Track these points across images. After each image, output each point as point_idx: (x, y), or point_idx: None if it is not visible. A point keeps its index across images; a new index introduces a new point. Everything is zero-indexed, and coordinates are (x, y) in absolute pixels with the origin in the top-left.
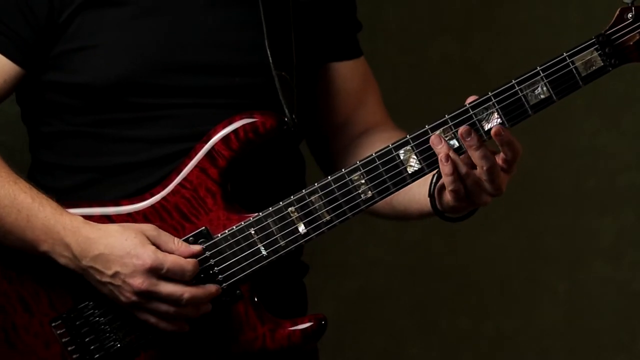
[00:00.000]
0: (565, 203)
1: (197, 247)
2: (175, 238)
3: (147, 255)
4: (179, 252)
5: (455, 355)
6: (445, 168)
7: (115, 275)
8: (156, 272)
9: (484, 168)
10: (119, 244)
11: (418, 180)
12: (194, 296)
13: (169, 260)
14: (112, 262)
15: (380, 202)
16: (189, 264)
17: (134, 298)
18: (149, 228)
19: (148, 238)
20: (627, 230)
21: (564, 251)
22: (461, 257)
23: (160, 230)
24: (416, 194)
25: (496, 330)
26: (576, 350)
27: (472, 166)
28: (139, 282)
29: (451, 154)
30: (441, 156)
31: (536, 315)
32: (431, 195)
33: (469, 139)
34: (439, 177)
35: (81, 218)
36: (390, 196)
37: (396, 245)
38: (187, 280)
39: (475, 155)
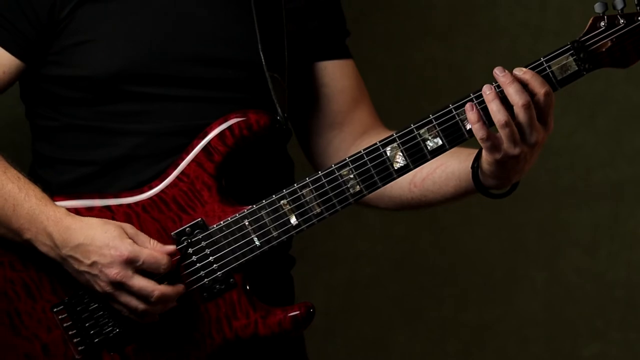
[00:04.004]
0: (544, 198)
1: (171, 247)
2: (151, 239)
3: (125, 248)
4: (154, 250)
5: (439, 343)
6: (471, 115)
7: (93, 264)
8: (132, 263)
9: (520, 104)
10: (99, 236)
11: (459, 157)
12: (164, 294)
13: (145, 253)
14: (91, 252)
15: (399, 191)
16: (164, 257)
17: (108, 288)
18: (128, 227)
19: (127, 234)
20: (602, 224)
21: (542, 244)
22: (445, 250)
23: (138, 231)
24: (456, 170)
25: (478, 319)
26: (554, 338)
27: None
28: (114, 272)
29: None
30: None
31: (516, 304)
32: (474, 166)
33: (502, 74)
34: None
35: (64, 209)
36: (423, 177)
37: (384, 239)
38: (162, 272)
39: (511, 91)
